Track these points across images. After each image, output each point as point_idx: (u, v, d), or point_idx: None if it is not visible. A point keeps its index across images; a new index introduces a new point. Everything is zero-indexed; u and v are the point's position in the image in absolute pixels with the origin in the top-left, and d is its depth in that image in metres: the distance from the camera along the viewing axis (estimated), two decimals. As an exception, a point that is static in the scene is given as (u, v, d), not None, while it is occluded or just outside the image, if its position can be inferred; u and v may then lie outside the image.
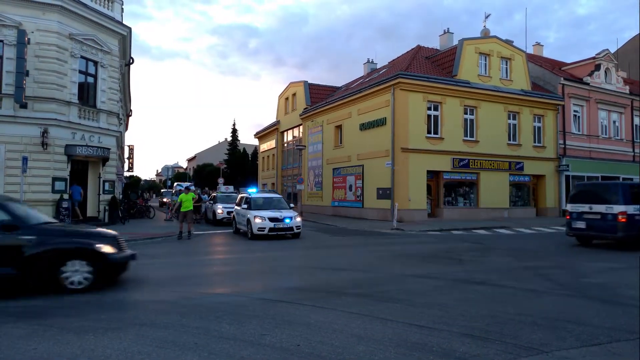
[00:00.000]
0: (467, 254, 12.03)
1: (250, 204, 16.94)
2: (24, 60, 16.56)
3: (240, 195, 19.61)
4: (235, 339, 4.92)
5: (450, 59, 25.88)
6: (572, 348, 4.61)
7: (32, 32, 17.40)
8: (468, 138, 25.36)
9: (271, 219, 15.74)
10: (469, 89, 25.01)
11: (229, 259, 12.43)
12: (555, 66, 32.31)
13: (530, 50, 34.16)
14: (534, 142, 27.84)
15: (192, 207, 16.37)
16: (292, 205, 17.25)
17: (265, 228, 15.60)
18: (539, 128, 28.19)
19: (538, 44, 36.21)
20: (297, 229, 16.19)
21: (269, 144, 43.48)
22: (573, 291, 7.41)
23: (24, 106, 17.08)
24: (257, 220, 15.70)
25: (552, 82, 29.36)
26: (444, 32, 30.11)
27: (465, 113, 25.35)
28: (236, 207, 18.83)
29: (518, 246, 14.00)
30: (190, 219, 16.46)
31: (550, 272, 9.24)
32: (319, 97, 34.40)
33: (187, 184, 44.25)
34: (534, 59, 31.54)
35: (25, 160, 14.42)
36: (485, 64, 26.05)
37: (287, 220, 15.90)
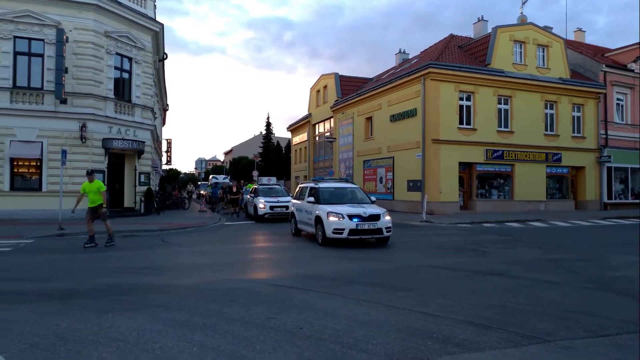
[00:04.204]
0: (492, 246, 11.81)
1: (319, 196, 12.83)
2: (62, 57, 17.41)
3: (300, 186, 15.68)
4: (243, 320, 5.11)
5: (484, 48, 25.19)
6: (577, 338, 4.52)
7: (70, 31, 18.23)
8: (502, 129, 24.68)
9: (352, 217, 11.40)
10: (503, 78, 24.29)
11: (254, 248, 12.70)
12: (597, 53, 30.83)
13: (571, 37, 32.74)
14: (573, 132, 26.77)
15: (102, 202, 11.44)
16: (373, 198, 13.47)
17: (343, 230, 11.30)
18: (578, 118, 27.07)
19: (580, 29, 34.64)
20: (387, 232, 11.72)
21: (301, 137, 43.77)
22: (594, 283, 7.20)
23: (63, 102, 17.99)
24: (332, 219, 11.49)
25: (594, 69, 28.05)
26: (478, 20, 29.29)
27: (499, 103, 24.67)
28: (295, 200, 15.07)
29: (549, 239, 13.59)
30: (104, 217, 11.56)
31: (575, 264, 8.97)
32: (349, 89, 34.24)
33: (222, 176, 45.26)
34: (574, 46, 30.21)
35: (64, 153, 15.18)
36: (521, 51, 25.22)
37: (374, 220, 11.64)
